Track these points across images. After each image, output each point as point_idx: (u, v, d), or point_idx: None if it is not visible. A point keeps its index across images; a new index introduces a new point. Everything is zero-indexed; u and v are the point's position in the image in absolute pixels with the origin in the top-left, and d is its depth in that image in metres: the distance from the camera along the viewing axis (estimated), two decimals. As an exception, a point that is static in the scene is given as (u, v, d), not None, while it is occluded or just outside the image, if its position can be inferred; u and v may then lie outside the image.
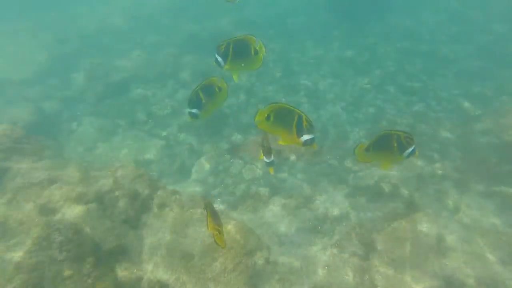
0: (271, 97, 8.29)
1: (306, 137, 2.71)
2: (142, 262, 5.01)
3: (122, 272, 4.93)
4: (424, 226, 5.13)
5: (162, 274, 4.89)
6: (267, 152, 2.92)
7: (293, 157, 6.51)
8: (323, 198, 5.84)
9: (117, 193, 5.60)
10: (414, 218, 5.26)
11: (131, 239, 5.21)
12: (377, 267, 4.75)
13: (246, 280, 4.68)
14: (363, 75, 9.31)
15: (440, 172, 6.06)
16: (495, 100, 7.68)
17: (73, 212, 5.56)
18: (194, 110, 3.01)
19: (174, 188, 5.89)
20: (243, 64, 2.89)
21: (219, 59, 2.82)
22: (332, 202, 5.76)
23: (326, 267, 4.94)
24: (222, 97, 3.09)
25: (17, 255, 4.95)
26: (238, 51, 2.76)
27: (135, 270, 4.93)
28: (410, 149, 3.06)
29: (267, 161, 2.98)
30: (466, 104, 7.69)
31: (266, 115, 2.76)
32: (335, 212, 5.60)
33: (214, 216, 2.82)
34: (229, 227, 4.91)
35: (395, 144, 3.03)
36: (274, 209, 5.65)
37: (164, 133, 7.16)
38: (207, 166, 6.37)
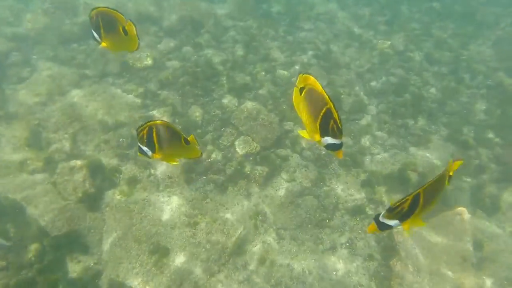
0: (273, 55, 7.07)
1: (329, 140, 1.95)
2: (102, 253, 4.07)
3: (75, 266, 3.99)
4: (456, 228, 4.31)
5: (126, 272, 3.96)
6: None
7: (298, 130, 5.47)
8: (333, 184, 4.93)
9: (74, 162, 4.51)
10: (444, 217, 4.43)
11: (89, 224, 4.23)
12: (399, 278, 3.95)
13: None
14: (383, 37, 8.10)
15: (476, 161, 5.17)
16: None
17: (13, 183, 4.48)
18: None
19: (149, 160, 4.85)
20: None
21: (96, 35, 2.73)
22: (344, 190, 4.86)
23: (334, 273, 4.12)
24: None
25: None
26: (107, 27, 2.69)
27: (92, 264, 4.00)
28: None
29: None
30: (508, 80, 6.70)
31: (299, 87, 2.00)
32: (348, 203, 4.72)
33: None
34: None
35: None
36: (272, 195, 4.71)
37: (141, 90, 5.97)
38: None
